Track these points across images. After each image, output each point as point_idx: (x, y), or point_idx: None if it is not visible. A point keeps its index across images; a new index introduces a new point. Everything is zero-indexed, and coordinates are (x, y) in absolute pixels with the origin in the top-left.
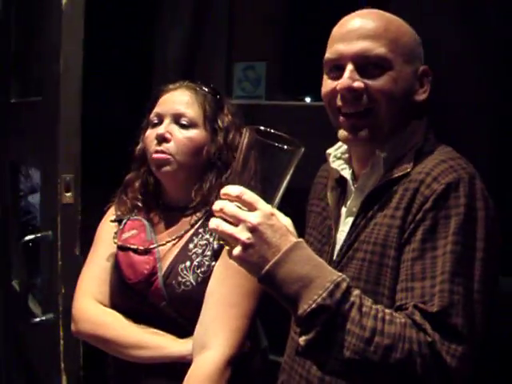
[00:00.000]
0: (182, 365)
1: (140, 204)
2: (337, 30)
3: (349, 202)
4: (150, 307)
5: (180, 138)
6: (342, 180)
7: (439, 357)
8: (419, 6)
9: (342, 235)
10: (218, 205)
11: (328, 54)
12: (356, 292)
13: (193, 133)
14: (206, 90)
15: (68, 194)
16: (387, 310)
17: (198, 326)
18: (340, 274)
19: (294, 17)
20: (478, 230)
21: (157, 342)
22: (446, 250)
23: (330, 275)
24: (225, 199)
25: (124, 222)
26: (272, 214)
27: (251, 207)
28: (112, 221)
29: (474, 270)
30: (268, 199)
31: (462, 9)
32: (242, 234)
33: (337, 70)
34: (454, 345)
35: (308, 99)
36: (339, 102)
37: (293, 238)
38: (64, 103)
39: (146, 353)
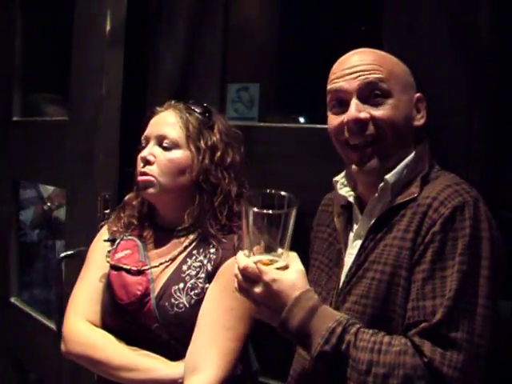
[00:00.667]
0: None
1: (135, 222)
2: (337, 68)
3: (357, 227)
4: (141, 329)
5: (162, 160)
6: (347, 206)
7: (439, 373)
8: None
9: (350, 258)
10: (235, 269)
11: (331, 92)
12: (353, 329)
13: (174, 154)
14: (194, 109)
15: (106, 211)
16: (386, 340)
17: (190, 348)
18: (337, 317)
19: (288, 39)
20: (482, 249)
21: (147, 365)
22: (454, 270)
23: (327, 322)
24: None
25: (117, 241)
26: (274, 280)
27: (256, 279)
28: (105, 240)
29: (480, 286)
30: (278, 248)
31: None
32: (252, 301)
33: (340, 105)
34: (455, 356)
35: (301, 120)
36: (346, 134)
37: (295, 293)
38: (104, 125)
39: (137, 375)
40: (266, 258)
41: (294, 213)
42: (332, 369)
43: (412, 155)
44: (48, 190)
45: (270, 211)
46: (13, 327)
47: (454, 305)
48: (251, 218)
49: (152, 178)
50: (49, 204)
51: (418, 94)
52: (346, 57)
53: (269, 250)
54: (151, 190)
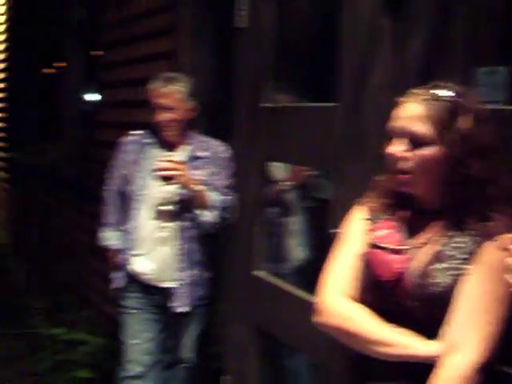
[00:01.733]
0: (419, 366)
1: (391, 205)
2: None
3: None
4: (396, 306)
5: (413, 157)
6: None
7: None
8: None
9: None
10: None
11: None
12: None
13: (425, 151)
14: (442, 96)
15: None
16: None
17: (447, 328)
18: None
19: None
20: None
21: (405, 341)
22: None
23: None
24: None
25: (376, 221)
26: None
27: None
28: (366, 219)
29: None
30: None
31: None
32: None
33: None
34: None
35: None
36: None
37: None
38: (377, 111)
39: (394, 350)
40: None
41: None
42: None
43: None
44: (274, 171)
45: None
46: (258, 300)
47: None
48: None
49: (407, 177)
50: (283, 184)
51: None
52: None
53: None
54: (406, 188)
